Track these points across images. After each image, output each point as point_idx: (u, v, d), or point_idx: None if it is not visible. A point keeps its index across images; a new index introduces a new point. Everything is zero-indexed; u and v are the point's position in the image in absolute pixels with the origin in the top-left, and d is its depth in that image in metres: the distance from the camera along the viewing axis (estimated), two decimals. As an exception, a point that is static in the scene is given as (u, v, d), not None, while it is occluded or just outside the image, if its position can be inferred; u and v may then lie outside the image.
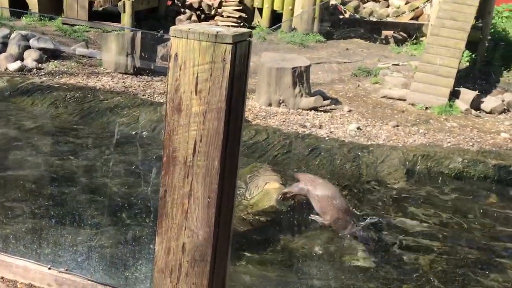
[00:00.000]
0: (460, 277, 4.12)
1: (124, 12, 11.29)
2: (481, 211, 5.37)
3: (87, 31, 11.12)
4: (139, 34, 8.63)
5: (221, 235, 2.63)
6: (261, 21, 12.63)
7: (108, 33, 10.37)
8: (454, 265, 4.30)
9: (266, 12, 12.57)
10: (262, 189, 4.94)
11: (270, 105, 7.97)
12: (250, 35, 2.60)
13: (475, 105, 8.56)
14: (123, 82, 8.28)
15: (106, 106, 6.90)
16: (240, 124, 2.63)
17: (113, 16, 11.89)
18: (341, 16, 13.07)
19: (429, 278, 4.06)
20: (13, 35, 8.68)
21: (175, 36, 2.44)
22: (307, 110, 7.87)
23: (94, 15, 12.02)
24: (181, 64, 2.44)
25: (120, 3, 11.41)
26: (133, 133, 6.33)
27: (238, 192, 5.03)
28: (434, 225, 4.97)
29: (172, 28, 2.45)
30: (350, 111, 8.04)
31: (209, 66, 2.41)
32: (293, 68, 7.87)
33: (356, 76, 9.85)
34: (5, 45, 8.60)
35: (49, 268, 3.12)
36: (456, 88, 8.72)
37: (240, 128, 2.64)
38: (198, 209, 2.55)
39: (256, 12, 12.86)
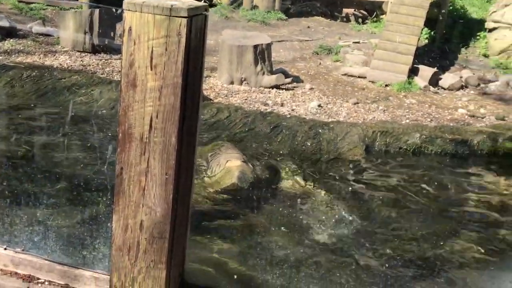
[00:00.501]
0: (414, 243, 4.21)
1: (82, -11, 11.01)
2: (435, 183, 5.48)
3: (44, 9, 10.82)
4: (97, 12, 8.44)
5: (180, 212, 2.61)
6: (222, -2, 12.52)
7: (66, 10, 10.12)
8: (409, 233, 4.39)
9: (227, -10, 12.45)
10: (224, 167, 4.93)
11: (232, 83, 7.93)
12: (206, 9, 2.56)
13: (434, 82, 8.69)
14: (81, 60, 8.11)
15: (63, 85, 6.76)
16: (197, 99, 2.60)
17: (71, -7, 11.60)
18: (302, -6, 13.04)
19: (384, 248, 4.13)
20: (-35, 13, 8.39)
21: (129, 10, 2.38)
22: (269, 88, 7.86)
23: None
24: (135, 38, 2.39)
25: (77, -20, 11.12)
26: (91, 111, 6.22)
27: (200, 170, 5.02)
28: (390, 197, 5.06)
29: (125, 1, 2.40)
30: (311, 89, 8.07)
31: (164, 40, 2.37)
32: (254, 46, 7.83)
33: (318, 54, 9.87)
34: (-43, 23, 8.31)
35: (5, 249, 3.05)
36: (415, 65, 8.83)
37: (197, 103, 2.61)
38: (156, 186, 2.52)
39: (217, -10, 12.73)
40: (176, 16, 2.34)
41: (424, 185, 5.42)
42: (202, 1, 11.96)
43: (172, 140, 2.48)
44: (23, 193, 4.17)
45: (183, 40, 2.36)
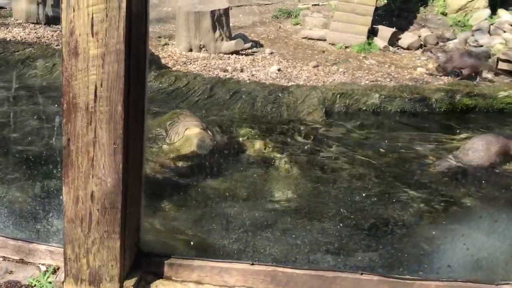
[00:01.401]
0: (369, 203, 4.29)
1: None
2: (392, 142, 5.55)
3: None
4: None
5: (131, 181, 2.59)
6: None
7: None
8: (363, 193, 4.46)
9: (184, -45, 12.20)
10: (183, 135, 4.89)
11: (190, 50, 7.84)
12: (148, -27, 2.50)
13: (393, 42, 8.73)
14: (35, 32, 7.90)
15: (17, 58, 6.59)
16: (143, 66, 2.55)
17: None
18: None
19: (339, 209, 4.19)
20: None
21: (66, -24, 2.31)
22: (229, 54, 7.80)
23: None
24: (74, 5, 2.32)
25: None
26: (45, 84, 6.10)
27: (159, 139, 4.97)
28: (347, 159, 5.12)
29: (62, -34, 2.32)
30: (271, 53, 8.03)
31: (104, 6, 2.31)
32: (211, 11, 7.73)
33: (277, 17, 9.80)
34: None
35: (-43, 227, 3.00)
36: (374, 26, 8.84)
37: (143, 70, 2.57)
38: (104, 156, 2.48)
39: (174, -45, 12.46)
40: (116, -19, 2.28)
41: (381, 145, 5.48)
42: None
43: (118, 108, 2.43)
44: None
45: (124, 5, 2.30)
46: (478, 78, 7.52)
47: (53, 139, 4.27)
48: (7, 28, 7.95)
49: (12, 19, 8.38)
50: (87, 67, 2.40)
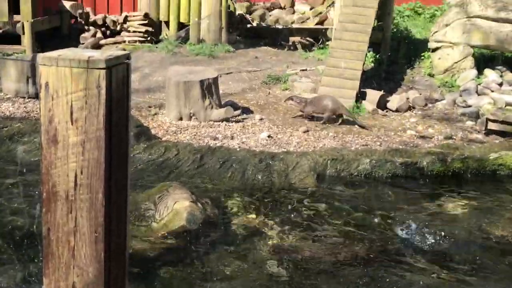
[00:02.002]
0: (360, 268, 4.19)
1: (24, 33, 10.83)
2: (384, 208, 5.49)
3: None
4: (39, 57, 8.27)
5: (114, 270, 2.49)
6: (169, 33, 12.48)
7: (8, 56, 9.92)
8: (356, 260, 4.37)
9: (172, 25, 12.42)
10: (172, 209, 4.81)
11: (181, 119, 7.85)
12: (128, 57, 2.48)
13: (382, 104, 8.79)
14: (25, 107, 7.92)
15: (5, 134, 6.56)
16: (124, 151, 2.50)
17: (14, 38, 11.37)
18: (248, 25, 13.11)
19: (334, 274, 4.08)
20: None
21: (45, 65, 2.29)
22: (219, 121, 7.81)
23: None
24: (53, 93, 2.29)
25: (18, 25, 10.94)
26: (35, 160, 6.04)
27: (148, 215, 4.88)
28: (340, 225, 5.04)
29: (40, 55, 2.31)
30: (261, 119, 8.05)
31: (84, 93, 2.28)
32: (201, 81, 7.78)
33: (266, 83, 9.89)
34: None
35: None
36: (362, 90, 8.92)
37: (125, 155, 2.52)
38: (85, 245, 2.40)
39: (163, 25, 12.68)
40: (94, 68, 2.26)
41: (373, 211, 5.41)
42: (149, 37, 11.88)
43: (99, 196, 2.37)
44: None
45: (103, 92, 2.28)
46: (340, 121, 7.86)
47: (34, 226, 4.17)
48: (-4, 103, 7.96)
49: (2, 94, 8.42)
50: (67, 154, 2.35)
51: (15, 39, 11.24)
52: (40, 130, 2.35)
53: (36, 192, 4.95)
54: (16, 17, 11.37)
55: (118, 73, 2.37)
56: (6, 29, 12.03)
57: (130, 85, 2.54)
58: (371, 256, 4.53)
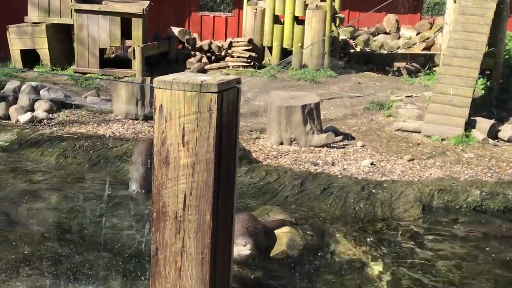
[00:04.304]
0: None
1: (135, 58, 11.38)
2: (499, 245, 5.15)
3: (99, 78, 11.20)
4: (148, 80, 8.64)
5: (218, 292, 2.49)
6: (271, 59, 12.64)
7: (120, 79, 10.44)
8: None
9: (275, 50, 12.58)
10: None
11: (281, 143, 7.86)
12: (238, 82, 2.51)
13: (493, 134, 8.36)
14: (133, 128, 8.25)
15: (115, 154, 6.84)
16: (232, 174, 2.51)
17: (125, 62, 11.99)
18: (352, 50, 13.03)
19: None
20: (23, 87, 8.75)
21: (159, 88, 2.36)
22: (319, 147, 7.74)
23: (106, 63, 12.13)
24: (166, 115, 2.35)
25: (130, 50, 11.51)
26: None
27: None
28: (449, 263, 4.77)
29: (155, 79, 2.37)
30: (363, 146, 7.89)
31: (195, 116, 2.32)
32: (302, 106, 7.78)
33: (369, 109, 9.72)
34: (16, 97, 8.66)
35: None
36: (472, 118, 8.55)
37: (232, 178, 2.53)
38: (192, 266, 2.42)
39: (266, 51, 12.88)
40: (207, 92, 2.30)
41: (487, 248, 5.09)
42: (252, 63, 12.12)
43: (207, 217, 2.39)
44: (66, 271, 4.13)
45: (214, 115, 2.31)
46: None
47: (142, 245, 4.29)
48: (107, 124, 8.36)
49: (113, 115, 8.84)
50: (177, 176, 2.39)
51: (126, 63, 11.85)
52: (153, 151, 2.41)
53: (146, 212, 5.10)
54: (127, 42, 12.00)
55: (229, 97, 2.40)
56: (118, 54, 12.74)
57: (239, 109, 2.56)
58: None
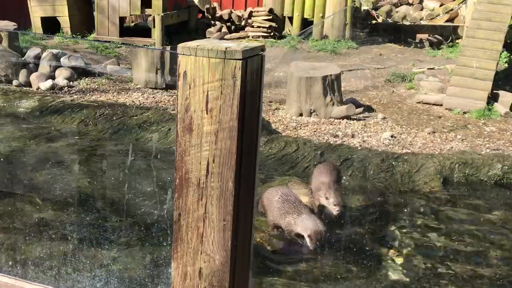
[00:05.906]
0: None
1: (154, 27, 11.34)
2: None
3: (118, 47, 11.20)
4: (168, 49, 8.62)
5: (239, 259, 2.51)
6: (292, 29, 12.52)
7: (139, 48, 10.43)
8: (489, 275, 4.09)
9: (296, 21, 12.45)
10: (292, 204, 4.78)
11: (301, 115, 7.84)
12: (263, 49, 2.48)
13: (515, 107, 8.24)
14: (153, 97, 8.27)
15: (135, 122, 6.87)
16: (255, 143, 2.51)
17: (144, 31, 11.96)
18: (373, 21, 12.85)
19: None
20: (44, 54, 8.79)
21: (183, 54, 2.33)
22: (339, 119, 7.71)
23: (125, 31, 12.11)
24: (190, 82, 2.34)
25: (150, 18, 11.47)
26: (163, 147, 6.29)
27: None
28: (470, 236, 4.75)
29: (179, 45, 2.35)
30: (384, 118, 7.84)
31: (219, 83, 2.30)
32: (323, 77, 7.72)
33: (390, 82, 9.62)
34: (36, 64, 8.71)
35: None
36: (494, 91, 8.43)
37: (255, 147, 2.52)
38: (214, 232, 2.44)
39: (287, 21, 12.75)
40: (231, 59, 2.27)
41: (505, 222, 5.07)
42: (272, 33, 12.01)
43: (229, 185, 2.39)
44: (87, 236, 4.20)
45: (238, 83, 2.29)
46: None
47: (164, 211, 4.33)
48: (127, 93, 8.39)
49: (133, 84, 8.85)
50: (201, 143, 2.39)
51: (146, 32, 11.82)
52: (176, 118, 2.41)
53: (168, 178, 5.14)
54: (147, 11, 11.95)
55: (253, 64, 2.37)
56: (137, 22, 12.70)
57: (263, 77, 2.54)
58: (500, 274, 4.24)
